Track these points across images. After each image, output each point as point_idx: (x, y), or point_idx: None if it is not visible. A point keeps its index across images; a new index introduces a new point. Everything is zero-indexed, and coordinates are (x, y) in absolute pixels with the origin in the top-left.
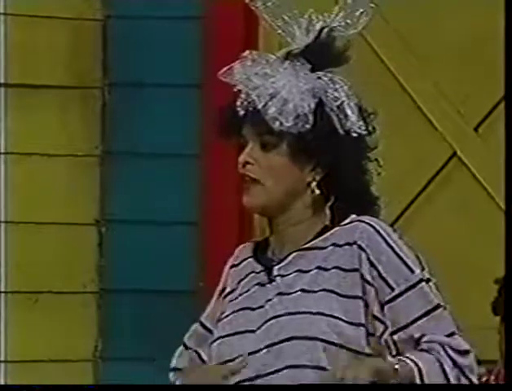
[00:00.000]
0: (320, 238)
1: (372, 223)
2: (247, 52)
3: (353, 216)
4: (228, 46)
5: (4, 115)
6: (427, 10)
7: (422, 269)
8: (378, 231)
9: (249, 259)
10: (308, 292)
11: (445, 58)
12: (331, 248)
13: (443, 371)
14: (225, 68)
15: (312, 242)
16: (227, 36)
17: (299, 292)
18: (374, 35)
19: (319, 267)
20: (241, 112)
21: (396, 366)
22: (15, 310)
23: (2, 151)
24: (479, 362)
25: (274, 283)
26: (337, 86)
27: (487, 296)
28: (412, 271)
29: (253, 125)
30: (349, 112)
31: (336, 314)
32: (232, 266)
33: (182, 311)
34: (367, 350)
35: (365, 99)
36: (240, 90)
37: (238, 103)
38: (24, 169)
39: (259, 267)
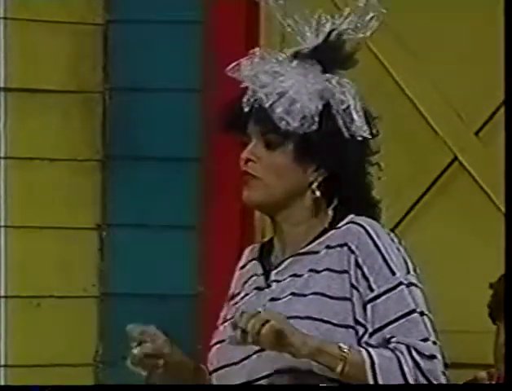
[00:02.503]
0: (317, 241)
1: (363, 224)
2: (256, 49)
3: (350, 216)
4: (229, 50)
5: (4, 119)
6: (428, 14)
7: (407, 273)
8: (368, 232)
9: (254, 261)
10: (299, 295)
11: (446, 61)
12: (324, 250)
13: (401, 369)
14: (233, 64)
15: (309, 246)
16: (227, 40)
17: (290, 296)
18: (374, 38)
19: (311, 270)
20: (247, 109)
21: (344, 350)
22: (15, 314)
23: (3, 155)
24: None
25: (270, 289)
26: (345, 89)
27: (486, 300)
28: (394, 273)
29: (259, 122)
30: (355, 115)
31: (325, 318)
32: (241, 267)
33: (182, 315)
34: None
35: (366, 104)
36: (246, 87)
37: (244, 99)
38: (25, 174)
39: (260, 270)
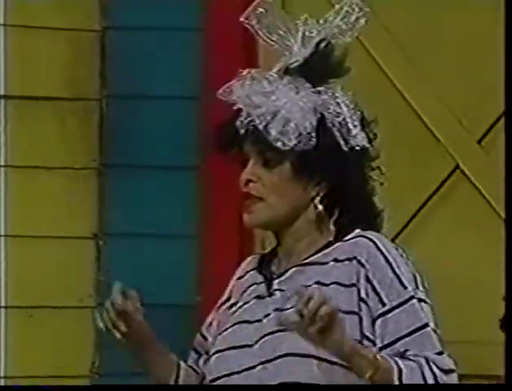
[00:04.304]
0: (322, 253)
1: (373, 239)
2: (246, 71)
3: (357, 231)
4: (228, 57)
5: (1, 127)
6: (429, 21)
7: (416, 287)
8: (378, 247)
9: (253, 271)
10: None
11: (448, 68)
12: (332, 263)
13: (424, 379)
14: (224, 87)
15: (313, 257)
16: (226, 47)
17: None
18: (376, 46)
19: (318, 282)
20: (242, 131)
21: (377, 356)
22: (10, 325)
23: None
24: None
25: (273, 297)
26: (339, 101)
27: (491, 312)
28: (405, 287)
29: (255, 143)
30: (351, 126)
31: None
32: (238, 278)
33: (180, 325)
34: None
35: (366, 111)
36: (240, 109)
37: (238, 122)
38: (21, 182)
39: (260, 279)
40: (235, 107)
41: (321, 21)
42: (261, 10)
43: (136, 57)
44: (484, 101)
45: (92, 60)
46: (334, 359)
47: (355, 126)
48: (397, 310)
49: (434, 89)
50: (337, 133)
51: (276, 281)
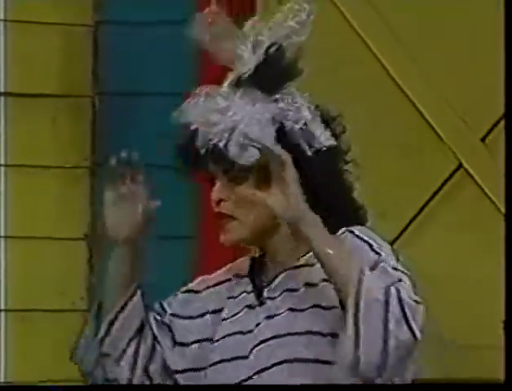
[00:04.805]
0: (309, 255)
1: (359, 234)
2: (198, 88)
3: (343, 229)
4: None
5: None
6: (432, 19)
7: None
8: (363, 239)
9: (244, 277)
10: (296, 310)
11: (451, 66)
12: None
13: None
14: (178, 109)
15: (301, 259)
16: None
17: (287, 312)
18: (378, 45)
19: (307, 284)
20: (203, 151)
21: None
22: (2, 328)
23: None
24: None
25: (264, 306)
26: (298, 104)
27: (495, 314)
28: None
29: (218, 162)
30: (314, 128)
31: (325, 331)
32: (227, 280)
33: None
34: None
35: (369, 109)
36: (197, 129)
37: (198, 142)
38: (10, 181)
39: (250, 288)
40: (192, 128)
41: (270, 23)
42: (208, 20)
43: (130, 52)
44: (488, 98)
45: (84, 56)
46: (331, 358)
47: (318, 127)
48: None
49: (436, 86)
50: (301, 139)
51: (266, 289)
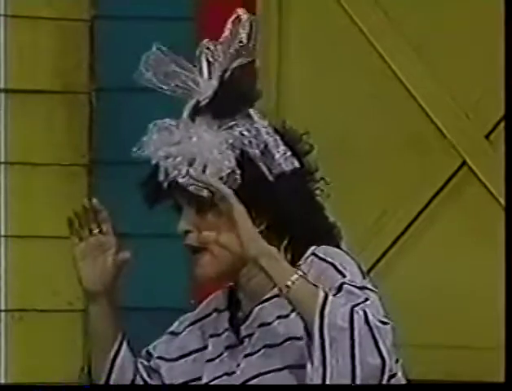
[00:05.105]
0: None
1: (324, 257)
2: (153, 122)
3: (311, 248)
4: None
5: None
6: (437, 14)
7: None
8: (330, 262)
9: (223, 312)
10: (273, 346)
11: (455, 62)
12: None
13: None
14: (135, 146)
15: (272, 291)
16: (219, 37)
17: (264, 349)
18: (382, 41)
19: (279, 316)
20: (165, 186)
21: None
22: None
23: None
24: None
25: (243, 346)
26: (258, 127)
27: (500, 317)
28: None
29: (181, 195)
30: (275, 152)
31: (303, 362)
32: (207, 316)
33: None
34: None
35: (373, 106)
36: (157, 164)
37: (159, 178)
38: (5, 179)
39: (227, 325)
40: (152, 163)
41: (221, 46)
42: (153, 60)
43: (127, 48)
44: (492, 96)
45: (80, 51)
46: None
47: (279, 151)
48: None
49: (441, 83)
50: (262, 165)
51: (243, 327)
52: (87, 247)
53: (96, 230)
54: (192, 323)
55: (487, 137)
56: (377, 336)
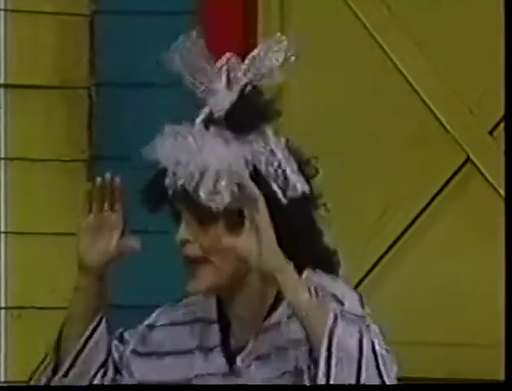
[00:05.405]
0: (277, 311)
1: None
2: (167, 127)
3: (304, 275)
4: (223, 42)
5: None
6: (440, 10)
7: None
8: (333, 295)
9: (213, 324)
10: (271, 379)
11: (459, 57)
12: (284, 320)
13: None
14: (146, 147)
15: (269, 319)
16: (222, 32)
17: (262, 383)
18: (385, 35)
19: (277, 348)
20: (170, 192)
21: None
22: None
23: None
24: None
25: (239, 379)
26: (273, 147)
27: (500, 314)
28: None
29: (186, 204)
30: (289, 173)
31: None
32: (190, 322)
33: None
34: None
35: (376, 102)
36: (165, 168)
37: (166, 182)
38: (6, 175)
39: (218, 342)
40: (160, 167)
41: (247, 61)
42: (187, 47)
43: (127, 42)
44: (496, 91)
45: (80, 46)
46: None
47: (292, 171)
48: None
49: (444, 78)
50: (274, 184)
51: (239, 358)
52: (94, 221)
53: (107, 207)
54: (173, 324)
55: (490, 132)
56: (382, 366)
